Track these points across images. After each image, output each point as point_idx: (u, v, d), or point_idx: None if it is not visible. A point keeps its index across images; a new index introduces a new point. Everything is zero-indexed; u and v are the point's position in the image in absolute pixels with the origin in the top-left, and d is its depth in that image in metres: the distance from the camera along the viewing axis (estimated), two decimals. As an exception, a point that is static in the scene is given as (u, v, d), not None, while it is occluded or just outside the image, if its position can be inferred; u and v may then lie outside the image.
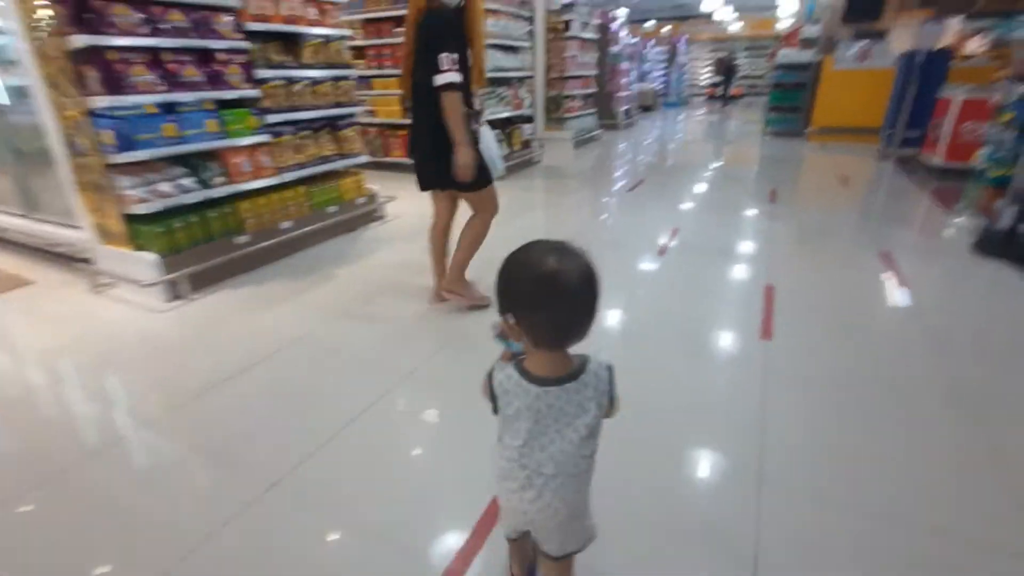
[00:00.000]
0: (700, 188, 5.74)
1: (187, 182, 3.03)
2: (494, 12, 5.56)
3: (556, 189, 5.96)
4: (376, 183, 4.65)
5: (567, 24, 7.73)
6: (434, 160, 2.38)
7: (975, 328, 2.59)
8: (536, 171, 6.73)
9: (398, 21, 5.82)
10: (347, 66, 3.95)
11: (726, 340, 2.48)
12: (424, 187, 2.60)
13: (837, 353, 2.32)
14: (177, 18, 2.86)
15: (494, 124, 6.23)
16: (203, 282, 3.08)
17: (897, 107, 6.69)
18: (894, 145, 6.64)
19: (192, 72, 2.94)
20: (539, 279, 0.80)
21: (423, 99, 2.30)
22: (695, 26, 20.10)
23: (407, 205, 4.82)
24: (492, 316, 0.96)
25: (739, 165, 7.27)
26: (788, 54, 8.98)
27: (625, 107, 11.03)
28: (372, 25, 6.02)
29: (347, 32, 3.93)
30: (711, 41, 21.27)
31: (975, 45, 8.76)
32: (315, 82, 3.71)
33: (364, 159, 4.20)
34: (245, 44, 3.17)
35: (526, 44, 6.23)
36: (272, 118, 3.40)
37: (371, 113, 6.40)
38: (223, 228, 3.21)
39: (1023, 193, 3.32)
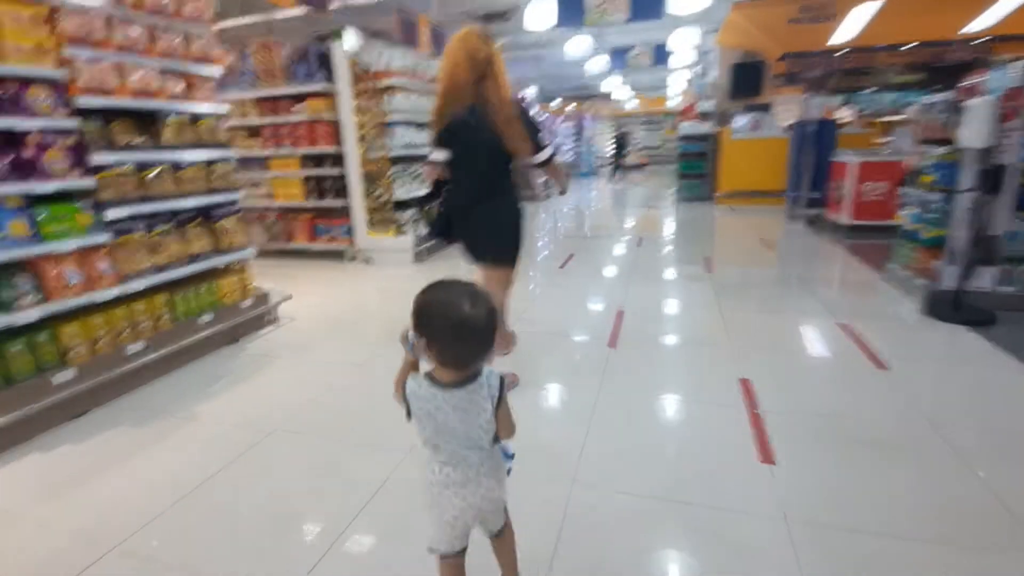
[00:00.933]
0: (632, 258, 5.50)
1: (-29, 307, 2.16)
2: (403, 89, 5.23)
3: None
4: (271, 278, 3.91)
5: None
6: (496, 236, 2.49)
7: (968, 403, 2.28)
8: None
9: (296, 99, 5.32)
10: (223, 146, 3.30)
11: (728, 474, 1.96)
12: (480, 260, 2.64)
13: (846, 471, 1.87)
14: (-40, 91, 2.11)
15: (411, 204, 5.87)
16: (-8, 448, 2.14)
17: (798, 171, 7.05)
18: (800, 206, 6.92)
19: (-16, 160, 2.17)
20: (455, 324, 1.03)
21: (498, 175, 2.39)
22: (596, 104, 21.58)
23: (309, 302, 4.08)
24: None
25: (662, 232, 7.25)
26: (689, 126, 9.51)
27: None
28: (267, 103, 5.46)
29: (223, 108, 3.31)
30: (613, 117, 22.89)
31: (844, 115, 9.79)
32: (178, 167, 3.01)
33: (251, 252, 3.47)
34: (72, 123, 2.45)
35: (439, 120, 5.96)
36: (114, 212, 2.63)
37: (269, 196, 5.70)
38: (32, 365, 2.32)
39: (962, 253, 3.25)
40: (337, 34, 4.97)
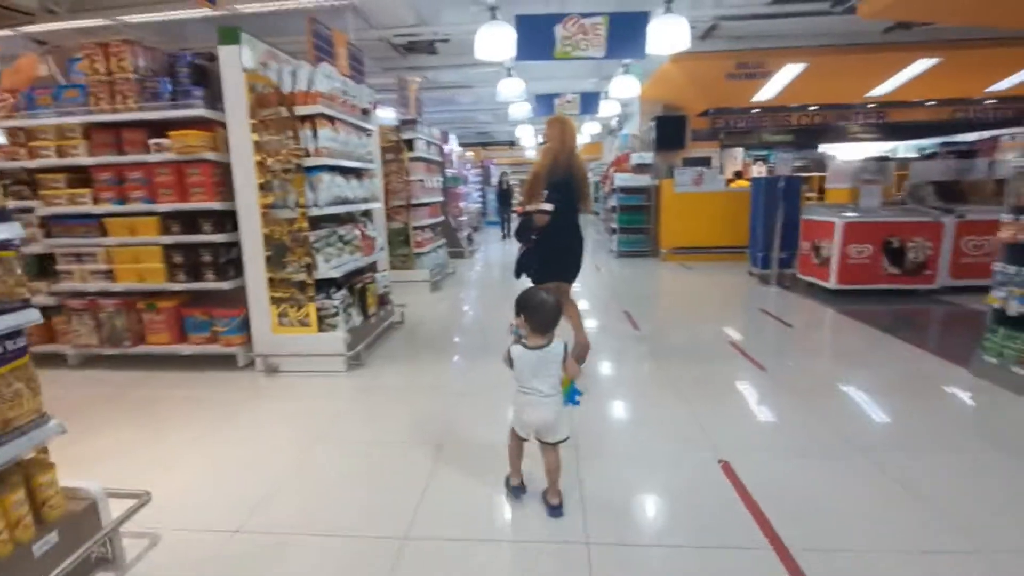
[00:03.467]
0: (600, 332, 4.35)
1: None
2: (331, 120, 3.65)
3: (442, 371, 3.92)
4: (105, 430, 2.10)
5: (410, 143, 6.22)
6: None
7: None
8: (402, 338, 4.63)
9: (156, 129, 3.49)
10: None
11: None
12: (573, 279, 3.56)
13: None
14: None
15: (340, 283, 3.71)
16: None
17: (763, 228, 6.58)
18: (771, 267, 6.42)
19: None
20: (538, 304, 1.96)
21: (579, 221, 3.43)
22: (496, 151, 21.10)
23: (177, 484, 2.28)
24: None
25: (617, 294, 6.30)
26: (626, 178, 8.95)
27: (466, 232, 9.81)
28: (106, 134, 3.55)
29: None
30: (516, 164, 22.58)
31: (758, 171, 9.97)
32: None
33: (54, 428, 1.66)
34: None
35: (371, 165, 4.43)
36: None
37: (106, 275, 3.69)
38: None
39: None
40: (229, 36, 3.31)
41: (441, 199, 7.41)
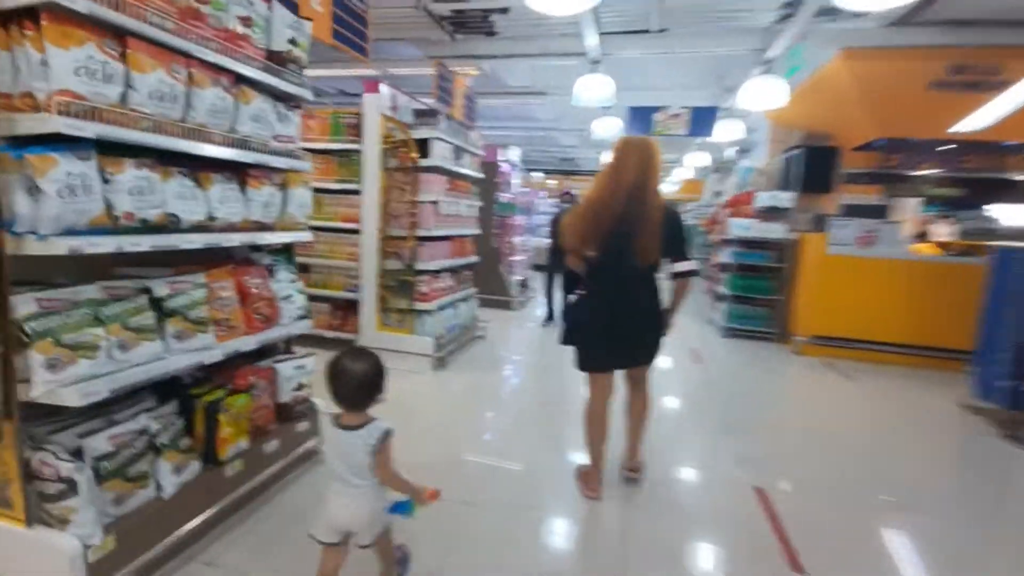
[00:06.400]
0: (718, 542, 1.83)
1: None
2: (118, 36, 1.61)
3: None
4: None
5: (424, 146, 4.13)
6: (658, 335, 2.45)
7: None
8: (297, 516, 2.41)
9: None
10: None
11: None
12: (638, 363, 2.50)
13: None
14: None
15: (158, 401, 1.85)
16: None
17: (1004, 328, 3.70)
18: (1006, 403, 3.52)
19: None
20: (338, 372, 1.52)
21: (641, 280, 2.37)
22: (583, 181, 18.92)
23: None
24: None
25: (728, 420, 3.67)
26: (747, 226, 6.31)
27: (520, 277, 7.57)
28: None
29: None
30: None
31: (942, 233, 6.83)
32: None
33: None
34: None
35: (291, 162, 2.35)
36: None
37: None
38: None
39: None
40: None
41: (476, 232, 5.21)
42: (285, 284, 2.49)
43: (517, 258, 7.60)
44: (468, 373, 4.31)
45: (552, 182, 17.85)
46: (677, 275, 2.37)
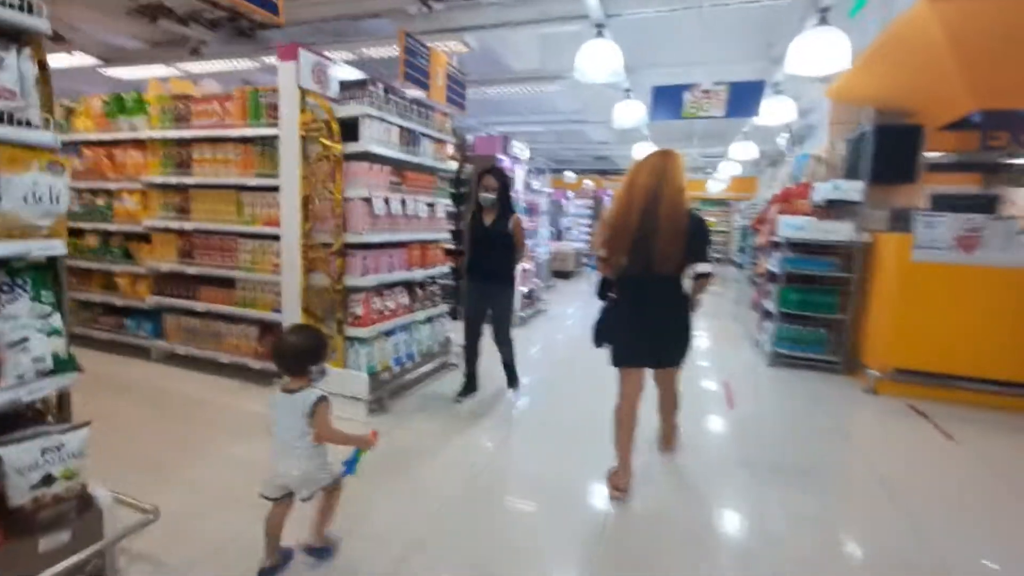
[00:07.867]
0: None
1: None
2: None
3: None
4: None
5: (353, 128, 3.18)
6: (684, 339, 2.60)
7: None
8: None
9: None
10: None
11: None
12: (663, 365, 2.67)
13: None
14: None
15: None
16: None
17: None
18: None
19: None
20: (278, 340, 1.89)
21: (664, 286, 2.49)
22: (618, 181, 17.62)
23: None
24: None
25: (781, 485, 2.49)
26: (802, 225, 4.98)
27: (524, 288, 6.52)
28: None
29: None
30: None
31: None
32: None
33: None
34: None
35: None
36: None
37: None
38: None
39: None
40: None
41: (442, 236, 4.21)
42: (22, 321, 1.60)
43: (525, 267, 6.56)
44: (411, 422, 3.28)
45: (589, 183, 16.64)
46: (698, 276, 2.47)
